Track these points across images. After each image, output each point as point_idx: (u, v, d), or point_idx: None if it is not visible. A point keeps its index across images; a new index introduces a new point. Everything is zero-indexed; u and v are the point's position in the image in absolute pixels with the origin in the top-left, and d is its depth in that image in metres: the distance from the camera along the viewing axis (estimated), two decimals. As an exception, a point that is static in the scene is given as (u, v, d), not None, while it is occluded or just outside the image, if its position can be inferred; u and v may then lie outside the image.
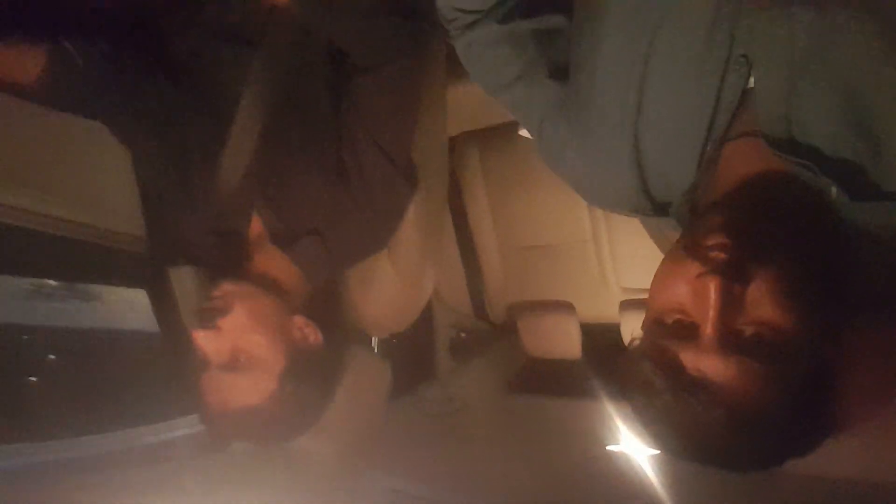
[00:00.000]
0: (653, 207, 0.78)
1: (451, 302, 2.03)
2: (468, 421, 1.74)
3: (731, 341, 0.56)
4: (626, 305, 1.80)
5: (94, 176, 1.13)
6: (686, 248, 0.63)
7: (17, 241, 1.09)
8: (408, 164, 1.02)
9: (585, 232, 1.85)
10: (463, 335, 2.04)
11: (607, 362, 1.91)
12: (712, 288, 0.56)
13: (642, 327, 0.71)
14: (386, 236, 1.03)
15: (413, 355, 1.83)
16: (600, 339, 1.94)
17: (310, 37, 0.96)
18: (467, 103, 1.49)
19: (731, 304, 0.56)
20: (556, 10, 0.81)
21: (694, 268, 0.59)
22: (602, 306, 1.89)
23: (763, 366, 0.55)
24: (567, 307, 1.92)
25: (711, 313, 0.56)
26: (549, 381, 1.93)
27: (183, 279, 1.22)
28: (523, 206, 1.89)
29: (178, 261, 1.19)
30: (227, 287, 0.92)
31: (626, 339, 1.78)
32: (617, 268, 1.84)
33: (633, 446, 1.48)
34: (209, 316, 0.89)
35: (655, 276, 0.71)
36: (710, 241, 0.59)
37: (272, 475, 1.07)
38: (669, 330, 0.62)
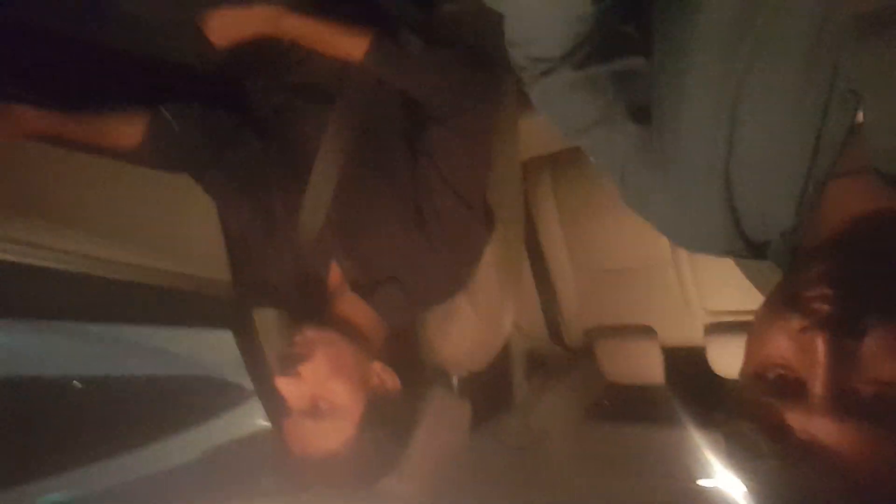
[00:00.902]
0: (748, 249, 0.74)
1: (525, 327, 2.01)
2: (547, 451, 1.71)
3: (845, 403, 0.51)
4: (713, 329, 1.73)
5: (183, 226, 1.20)
6: (787, 298, 0.59)
7: (114, 290, 1.17)
8: (483, 207, 1.01)
9: (664, 254, 1.79)
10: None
11: (693, 388, 1.83)
12: (819, 344, 0.51)
13: (740, 377, 0.67)
14: (464, 280, 1.03)
15: (489, 384, 1.81)
16: (684, 364, 1.86)
17: (384, 90, 0.98)
18: (537, 128, 1.48)
19: (842, 360, 0.51)
20: (635, 52, 0.78)
21: (797, 321, 0.55)
22: (685, 330, 1.82)
23: (888, 431, 0.50)
24: (647, 331, 1.86)
25: (820, 371, 0.52)
26: (631, 407, 1.87)
27: (267, 321, 1.27)
28: (598, 229, 1.85)
29: (263, 303, 1.24)
30: (308, 333, 0.95)
31: (714, 363, 1.70)
32: (700, 290, 1.77)
33: (726, 481, 1.40)
34: (291, 363, 0.91)
35: (754, 324, 0.67)
36: (814, 292, 0.55)
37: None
38: (772, 386, 0.58)
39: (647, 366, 1.84)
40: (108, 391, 1.59)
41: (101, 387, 1.59)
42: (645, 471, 1.57)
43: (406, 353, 1.09)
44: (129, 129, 1.01)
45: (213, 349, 1.76)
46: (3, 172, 0.90)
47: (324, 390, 0.91)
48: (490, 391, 1.76)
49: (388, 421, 0.96)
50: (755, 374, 0.61)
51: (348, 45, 0.95)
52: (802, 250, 0.66)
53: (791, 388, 0.55)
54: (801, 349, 0.54)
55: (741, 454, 0.60)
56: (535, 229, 1.95)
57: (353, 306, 1.00)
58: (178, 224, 1.20)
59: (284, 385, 0.91)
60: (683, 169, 0.71)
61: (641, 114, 0.77)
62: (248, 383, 1.77)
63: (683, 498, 1.42)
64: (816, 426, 0.52)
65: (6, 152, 0.88)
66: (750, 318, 1.72)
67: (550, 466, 1.67)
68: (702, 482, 1.44)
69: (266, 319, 1.27)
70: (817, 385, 0.52)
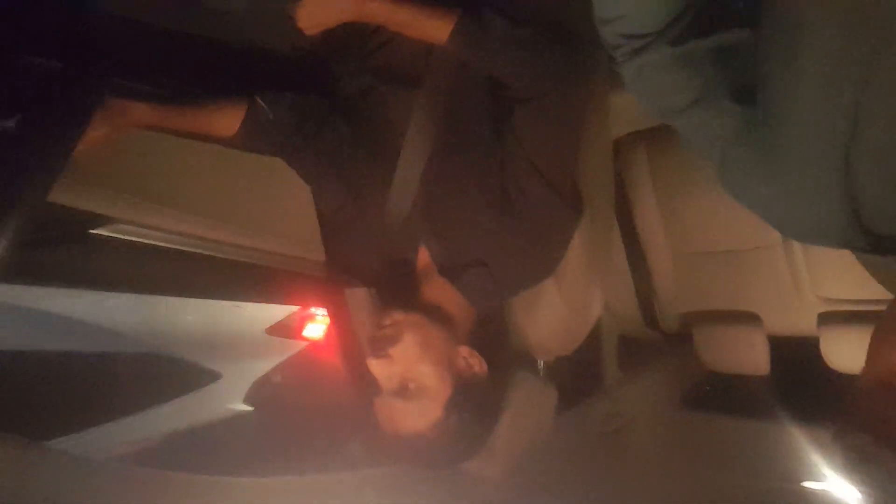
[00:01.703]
0: (870, 243, 0.67)
1: (618, 310, 1.94)
2: (638, 439, 1.66)
3: None
4: (828, 318, 1.60)
5: (280, 209, 1.26)
6: None
7: (212, 267, 1.25)
8: (572, 190, 0.98)
9: (772, 236, 1.66)
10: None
11: (802, 382, 1.70)
12: None
13: (861, 383, 0.61)
14: (552, 264, 1.01)
15: (579, 366, 1.78)
16: (793, 355, 1.73)
17: (469, 72, 0.97)
18: (631, 103, 1.40)
19: None
20: (738, 24, 0.71)
21: None
22: (795, 318, 1.69)
23: None
24: (752, 318, 1.75)
25: None
26: (731, 398, 1.77)
27: (358, 300, 1.32)
28: (697, 208, 1.75)
29: (354, 283, 1.28)
30: (397, 316, 0.97)
31: (829, 356, 1.57)
32: (813, 275, 1.63)
33: (836, 486, 1.30)
34: (381, 345, 0.94)
35: (879, 327, 0.60)
36: None
37: (441, 497, 1.11)
38: None
39: (751, 355, 1.73)
40: (66, 368, 1.57)
41: (61, 364, 1.57)
42: (742, 467, 1.48)
43: (493, 337, 1.09)
44: (226, 119, 1.06)
45: (182, 329, 1.77)
46: (119, 159, 0.98)
47: (412, 372, 0.93)
48: (580, 375, 1.72)
49: (475, 404, 0.96)
50: (880, 381, 0.55)
51: (432, 27, 0.94)
52: None
53: None
54: None
55: (860, 466, 0.56)
56: (629, 209, 1.87)
57: (441, 290, 1.01)
58: (276, 205, 1.26)
59: (375, 366, 0.94)
60: (794, 154, 0.65)
61: (745, 93, 0.71)
62: (216, 365, 1.79)
63: (785, 499, 1.34)
64: None
65: (122, 141, 0.95)
66: (871, 307, 1.58)
67: (639, 454, 1.63)
68: (807, 484, 1.34)
69: (357, 299, 1.31)
70: None
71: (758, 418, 1.64)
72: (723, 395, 1.81)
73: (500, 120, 0.96)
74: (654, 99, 0.78)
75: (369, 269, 1.16)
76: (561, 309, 1.09)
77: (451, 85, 0.97)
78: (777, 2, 0.64)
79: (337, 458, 1.29)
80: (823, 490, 1.30)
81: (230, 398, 1.81)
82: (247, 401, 1.83)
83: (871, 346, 0.60)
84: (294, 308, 1.90)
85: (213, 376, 1.80)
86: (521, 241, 0.96)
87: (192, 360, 1.79)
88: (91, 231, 1.06)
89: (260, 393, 1.85)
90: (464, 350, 0.98)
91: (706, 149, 0.76)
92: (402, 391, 0.93)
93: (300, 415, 1.71)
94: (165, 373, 1.74)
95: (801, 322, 1.67)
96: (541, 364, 1.23)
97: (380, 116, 1.06)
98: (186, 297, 1.60)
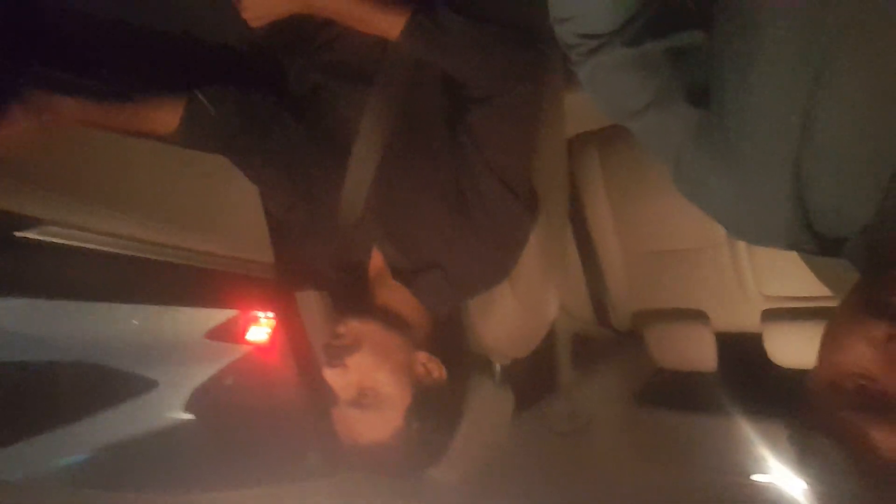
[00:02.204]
0: (817, 245, 0.68)
1: (572, 309, 1.96)
2: (594, 438, 1.67)
3: None
4: (771, 315, 1.64)
5: (225, 209, 1.20)
6: (869, 303, 0.53)
7: (157, 272, 1.18)
8: (528, 191, 0.97)
9: (718, 235, 1.70)
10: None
11: (747, 377, 1.75)
12: None
13: (811, 384, 0.61)
14: (508, 266, 1.00)
15: (534, 366, 1.78)
16: (738, 351, 1.78)
17: (424, 70, 0.94)
18: (584, 103, 1.41)
19: None
20: (692, 25, 0.72)
21: (881, 328, 0.50)
22: (740, 315, 1.74)
23: None
24: (700, 315, 1.78)
25: None
26: (682, 394, 1.81)
27: (309, 303, 1.28)
28: (648, 208, 1.77)
29: (304, 286, 1.24)
30: (353, 324, 0.94)
31: (772, 352, 1.62)
32: (757, 273, 1.68)
33: (783, 477, 1.34)
34: (337, 353, 0.91)
35: (828, 329, 0.61)
36: None
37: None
38: (851, 398, 0.53)
39: (699, 352, 1.77)
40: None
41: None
42: (695, 461, 1.51)
43: (449, 341, 1.07)
44: (165, 115, 1.01)
45: (116, 337, 1.70)
46: (45, 155, 0.91)
47: (370, 381, 0.91)
48: (534, 375, 1.73)
49: (436, 410, 0.94)
50: (830, 382, 0.56)
51: (384, 22, 0.91)
52: (886, 248, 0.60)
53: (874, 401, 0.51)
54: (888, 360, 0.49)
55: (811, 462, 0.56)
56: (581, 208, 1.88)
57: (395, 293, 0.99)
58: (221, 205, 1.21)
59: (331, 376, 0.91)
60: (747, 156, 0.65)
61: (699, 95, 0.71)
62: (151, 373, 1.73)
63: (735, 492, 1.37)
64: None
65: (48, 136, 0.88)
66: (812, 304, 1.63)
67: (596, 453, 1.64)
68: (755, 477, 1.37)
69: (308, 302, 1.27)
70: None
71: (707, 413, 1.68)
72: (674, 392, 1.85)
73: (455, 119, 0.94)
74: (609, 100, 0.77)
75: (321, 272, 1.13)
76: (517, 311, 1.07)
77: (405, 82, 0.95)
78: (730, 6, 0.64)
79: (290, 467, 1.25)
80: (771, 482, 1.34)
81: (169, 407, 1.72)
82: (187, 409, 1.74)
83: (821, 347, 0.61)
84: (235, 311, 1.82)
85: (150, 384, 1.72)
86: (476, 242, 0.95)
87: (127, 369, 1.71)
88: (16, 234, 0.98)
89: (201, 400, 1.77)
90: (422, 356, 0.96)
91: (661, 150, 0.76)
92: (361, 401, 0.90)
93: (247, 422, 1.65)
94: (98, 382, 1.64)
95: (745, 319, 1.72)
96: (497, 367, 1.22)
97: (330, 114, 1.02)
98: (122, 303, 1.52)
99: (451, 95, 0.95)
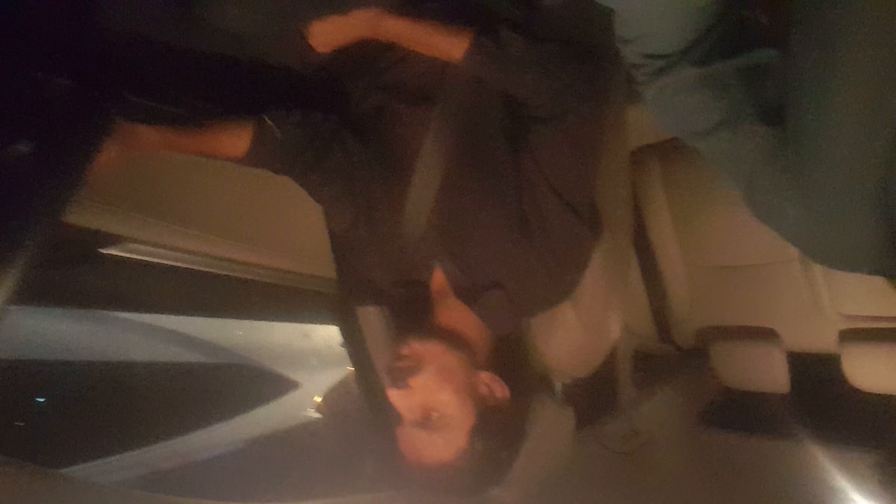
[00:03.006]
0: None
1: (633, 325, 1.91)
2: (654, 458, 1.62)
3: None
4: (850, 335, 1.56)
5: (291, 227, 1.24)
6: None
7: (227, 287, 1.24)
8: (591, 210, 0.96)
9: (790, 250, 1.62)
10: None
11: (821, 399, 1.66)
12: None
13: None
14: (570, 287, 0.99)
15: (594, 384, 1.75)
16: (813, 373, 1.69)
17: (485, 89, 0.95)
18: (645, 116, 1.38)
19: None
20: (766, 43, 0.69)
21: None
22: (815, 334, 1.66)
23: None
24: (770, 333, 1.71)
25: None
26: (749, 416, 1.73)
27: (371, 319, 1.30)
28: (713, 222, 1.72)
29: (367, 302, 1.26)
30: (415, 346, 0.94)
31: (851, 374, 1.54)
32: (834, 291, 1.60)
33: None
34: (400, 375, 0.91)
35: None
36: None
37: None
38: None
39: (769, 372, 1.70)
40: (154, 378, 1.66)
41: (149, 374, 1.67)
42: (761, 489, 1.45)
43: (511, 360, 1.07)
44: (235, 139, 1.05)
45: (263, 340, 1.83)
46: (127, 177, 0.97)
47: (434, 402, 0.91)
48: (594, 392, 1.69)
49: (499, 430, 0.94)
50: None
51: (447, 45, 0.92)
52: None
53: None
54: None
55: None
56: (642, 221, 1.84)
57: (456, 312, 0.99)
58: (288, 223, 1.25)
59: (395, 397, 0.92)
60: (829, 180, 0.62)
61: (773, 114, 0.68)
62: (294, 374, 1.84)
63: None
64: None
65: (130, 161, 0.94)
66: (893, 325, 1.53)
67: (656, 474, 1.59)
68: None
69: (370, 318, 1.29)
70: None
71: (777, 437, 1.61)
72: (740, 413, 1.77)
73: (516, 139, 0.94)
74: (677, 120, 0.76)
75: (382, 289, 1.14)
76: (579, 331, 1.06)
77: (467, 103, 0.95)
78: (808, 21, 0.62)
79: (355, 479, 1.27)
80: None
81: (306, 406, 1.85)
82: (317, 409, 1.84)
83: None
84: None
85: (292, 385, 1.86)
86: (538, 263, 0.94)
87: (274, 370, 1.87)
88: (102, 251, 1.04)
89: (329, 402, 1.84)
90: (485, 376, 0.95)
91: (732, 171, 0.74)
92: (426, 422, 0.91)
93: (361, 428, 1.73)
94: (250, 382, 1.83)
95: (821, 339, 1.63)
96: (558, 385, 1.20)
97: (392, 134, 1.04)
98: (194, 315, 1.62)
99: (512, 115, 0.95)
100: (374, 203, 1.07)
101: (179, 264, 1.15)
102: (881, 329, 1.50)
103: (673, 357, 1.99)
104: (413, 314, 1.04)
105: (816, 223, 0.67)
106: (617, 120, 1.03)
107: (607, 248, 1.01)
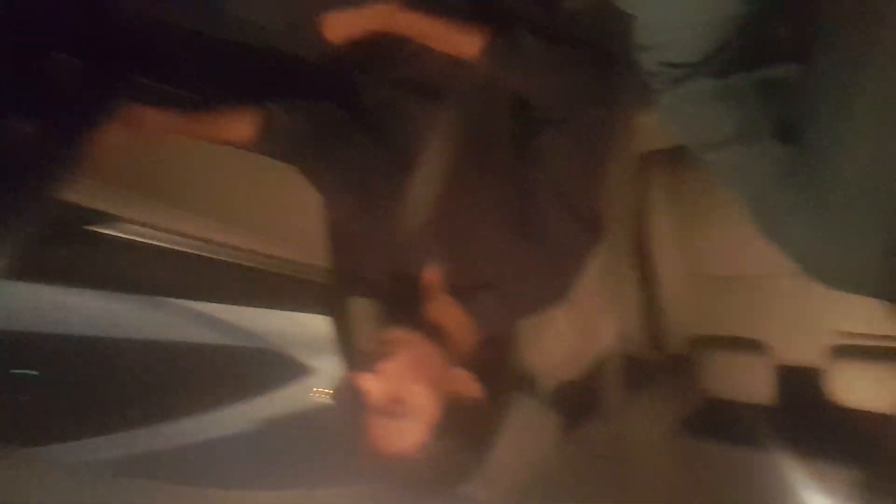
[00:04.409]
0: None
1: (623, 329, 1.90)
2: (636, 464, 1.62)
3: None
4: (840, 351, 1.56)
5: (289, 215, 1.22)
6: None
7: (222, 271, 1.22)
8: (594, 216, 0.94)
9: (788, 263, 1.62)
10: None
11: (806, 413, 1.67)
12: None
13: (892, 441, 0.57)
14: (565, 292, 0.97)
15: (579, 386, 1.74)
16: (799, 386, 1.70)
17: (496, 89, 0.93)
18: (653, 122, 1.36)
19: None
20: (786, 58, 0.68)
21: None
22: (805, 349, 1.66)
23: None
24: (759, 345, 1.71)
25: None
26: (733, 427, 1.74)
27: (363, 311, 1.28)
28: (715, 232, 1.71)
29: (360, 294, 1.25)
30: (394, 333, 0.94)
31: (838, 391, 1.54)
32: (827, 306, 1.60)
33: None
34: (374, 360, 0.91)
35: None
36: None
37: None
38: None
39: (756, 383, 1.70)
40: (167, 357, 1.66)
41: (161, 352, 1.67)
42: (740, 499, 1.45)
43: (496, 359, 1.05)
44: (242, 126, 1.03)
45: (276, 324, 1.83)
46: (125, 156, 0.94)
47: (401, 391, 0.90)
48: (579, 395, 1.69)
49: (465, 429, 0.92)
50: None
51: (462, 42, 0.90)
52: None
53: None
54: None
55: None
56: (643, 226, 1.83)
57: (446, 309, 0.98)
58: (285, 210, 1.22)
59: (364, 381, 0.91)
60: (839, 202, 0.61)
61: (788, 131, 0.67)
62: (307, 359, 1.84)
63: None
64: None
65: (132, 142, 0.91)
66: (884, 343, 1.53)
67: (639, 480, 1.59)
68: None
69: (362, 309, 1.28)
70: None
71: (759, 449, 1.61)
72: (723, 423, 1.78)
73: (524, 141, 0.92)
74: (690, 130, 0.74)
75: (376, 282, 1.13)
76: (570, 337, 1.05)
77: (477, 102, 0.94)
78: (835, 39, 0.60)
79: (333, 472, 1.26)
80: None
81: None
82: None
83: None
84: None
85: (307, 371, 1.87)
86: (536, 266, 0.93)
87: (289, 354, 1.88)
88: (98, 230, 1.02)
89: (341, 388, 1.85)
90: (459, 373, 0.94)
91: (741, 185, 0.73)
92: (390, 410, 0.90)
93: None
94: (268, 366, 1.84)
95: (811, 353, 1.64)
96: (543, 388, 1.19)
97: (400, 129, 1.02)
98: (184, 299, 1.60)
99: (521, 116, 0.93)
100: (376, 196, 1.06)
101: (173, 246, 1.13)
102: (871, 347, 1.50)
103: (660, 363, 1.99)
104: (403, 308, 1.02)
105: (824, 244, 0.66)
106: (625, 128, 1.01)
107: (607, 255, 0.99)
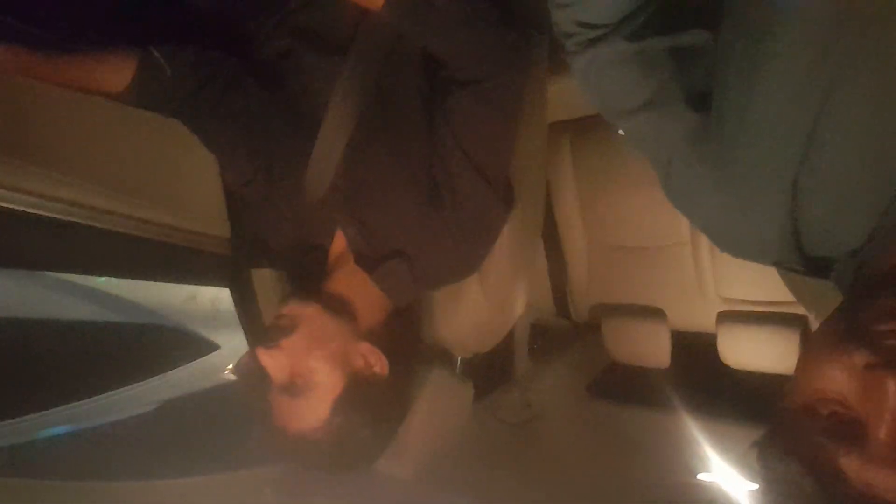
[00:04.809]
0: (803, 264, 0.66)
1: (532, 299, 1.94)
2: (545, 428, 1.67)
3: None
4: (726, 317, 1.67)
5: (181, 178, 1.11)
6: (851, 329, 0.51)
7: (105, 242, 1.10)
8: (505, 183, 0.92)
9: (683, 235, 1.71)
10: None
11: (699, 374, 1.78)
12: (890, 385, 0.45)
13: (784, 407, 0.60)
14: (477, 261, 0.95)
15: (490, 356, 1.76)
16: (692, 350, 1.81)
17: (403, 45, 0.88)
18: (563, 92, 1.37)
19: None
20: (699, 25, 0.68)
21: (861, 356, 0.48)
22: (697, 315, 1.76)
23: None
24: (657, 313, 1.80)
25: (887, 416, 0.45)
26: (633, 389, 1.83)
27: (265, 282, 1.21)
28: (616, 203, 1.77)
29: (262, 264, 1.17)
30: (294, 306, 0.88)
31: (724, 353, 1.65)
32: (717, 275, 1.70)
33: (727, 478, 1.36)
34: (272, 335, 0.86)
35: (807, 352, 0.59)
36: (886, 326, 0.48)
37: (351, 496, 1.04)
38: (824, 424, 0.51)
39: (654, 348, 1.79)
40: (65, 338, 1.56)
41: (58, 333, 1.56)
42: (643, 456, 1.53)
43: (406, 330, 1.02)
44: (114, 71, 0.91)
45: (179, 300, 1.74)
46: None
47: (301, 367, 0.85)
48: (490, 364, 1.71)
49: (371, 405, 0.89)
50: (804, 406, 0.54)
51: None
52: (871, 274, 0.58)
53: (847, 429, 0.49)
54: (865, 388, 0.48)
55: (776, 482, 0.55)
56: (549, 197, 1.85)
57: (352, 279, 0.93)
58: (177, 173, 1.11)
59: (264, 356, 0.85)
60: (744, 168, 0.62)
61: (699, 99, 0.67)
62: (213, 336, 1.77)
63: (680, 489, 1.39)
64: (876, 476, 0.46)
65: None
66: (766, 309, 1.64)
67: (548, 444, 1.64)
68: (701, 476, 1.40)
69: (265, 281, 1.20)
70: (882, 430, 0.46)
71: (656, 409, 1.70)
72: (625, 386, 1.86)
73: (432, 102, 0.88)
74: (603, 95, 0.73)
75: (279, 251, 1.06)
76: (483, 307, 1.03)
77: (382, 57, 0.88)
78: (741, 10, 0.60)
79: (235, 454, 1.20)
80: (715, 482, 1.36)
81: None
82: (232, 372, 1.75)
83: (797, 369, 0.59)
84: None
85: (212, 347, 1.78)
86: (447, 234, 0.90)
87: (196, 332, 1.79)
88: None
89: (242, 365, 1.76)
90: (364, 347, 0.90)
91: (652, 153, 0.72)
92: (290, 386, 0.85)
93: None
94: (169, 344, 1.75)
95: (702, 319, 1.74)
96: (458, 359, 1.18)
97: (298, 84, 0.94)
98: (64, 272, 1.45)
99: (430, 76, 0.88)
100: (275, 158, 0.98)
101: (49, 214, 0.98)
102: (753, 312, 1.62)
103: (567, 331, 2.05)
104: (311, 280, 0.97)
105: (728, 211, 0.67)
106: (538, 93, 0.99)
107: (518, 224, 0.98)
